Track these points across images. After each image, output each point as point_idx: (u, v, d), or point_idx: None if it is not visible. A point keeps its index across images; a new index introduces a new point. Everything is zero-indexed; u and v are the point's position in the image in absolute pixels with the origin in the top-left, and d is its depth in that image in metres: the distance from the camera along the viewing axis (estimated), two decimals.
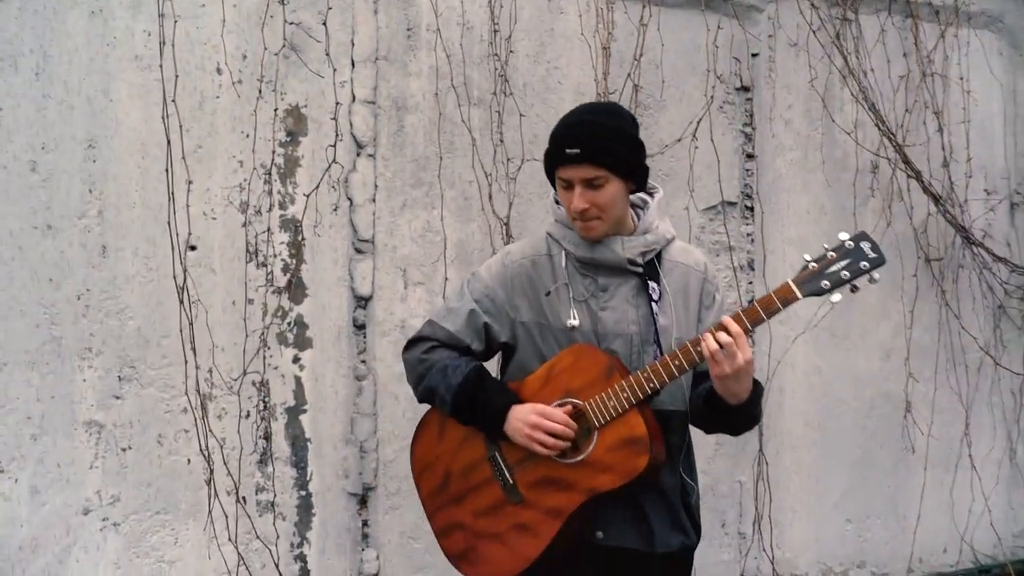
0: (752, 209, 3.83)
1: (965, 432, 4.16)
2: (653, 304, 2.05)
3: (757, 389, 2.01)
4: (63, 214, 2.82)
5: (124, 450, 2.89)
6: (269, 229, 3.05)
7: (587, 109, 2.15)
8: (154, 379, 2.92)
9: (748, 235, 3.84)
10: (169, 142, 2.86)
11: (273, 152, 3.04)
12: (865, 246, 1.94)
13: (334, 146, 3.10)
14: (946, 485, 4.15)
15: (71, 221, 2.83)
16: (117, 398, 2.88)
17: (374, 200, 3.21)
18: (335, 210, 3.15)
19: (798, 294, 1.94)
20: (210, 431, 2.92)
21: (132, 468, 2.90)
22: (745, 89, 3.80)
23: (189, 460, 2.96)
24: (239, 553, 2.96)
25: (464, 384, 2.06)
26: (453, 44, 3.29)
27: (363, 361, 3.21)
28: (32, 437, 2.78)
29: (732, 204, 3.78)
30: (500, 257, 2.20)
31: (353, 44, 3.16)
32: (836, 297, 1.94)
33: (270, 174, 3.05)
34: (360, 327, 3.20)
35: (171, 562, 2.95)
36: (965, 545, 4.18)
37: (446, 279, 3.26)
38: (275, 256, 3.07)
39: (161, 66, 2.85)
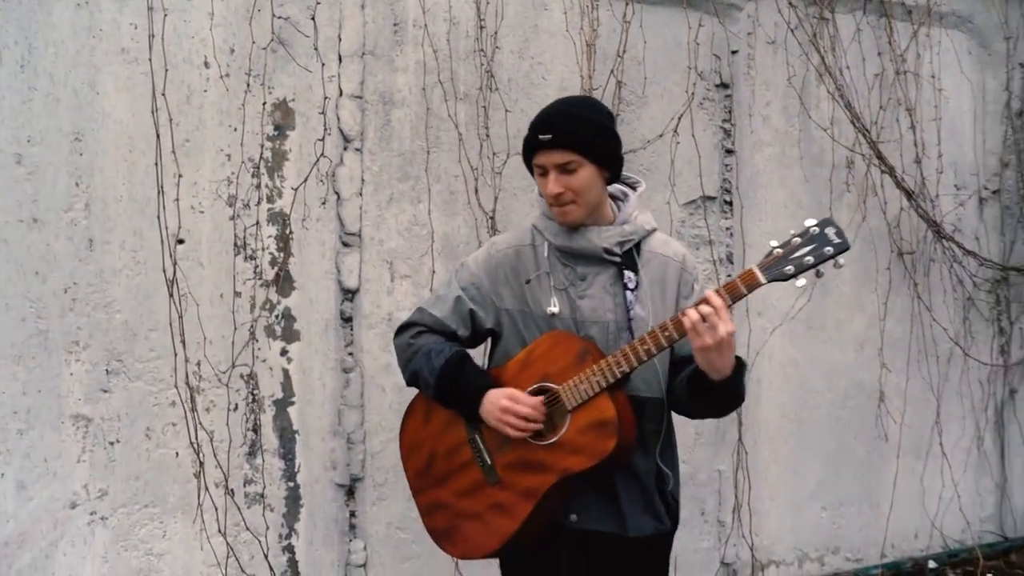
0: (731, 203, 3.89)
1: (936, 421, 4.27)
2: (628, 293, 2.10)
3: (740, 365, 2.03)
4: (49, 207, 2.81)
5: (112, 444, 2.89)
6: (257, 223, 3.05)
7: (563, 100, 2.21)
8: (142, 372, 2.92)
9: (727, 229, 3.90)
10: (158, 135, 2.85)
11: (261, 146, 3.05)
12: (830, 232, 1.93)
13: (322, 140, 3.11)
14: (917, 473, 4.26)
15: (57, 214, 2.82)
16: (104, 392, 2.88)
17: (361, 194, 3.23)
18: (323, 204, 3.16)
19: (761, 279, 1.94)
20: (200, 424, 2.93)
21: (120, 462, 2.90)
22: (725, 86, 3.86)
23: (177, 453, 2.96)
24: (228, 545, 2.98)
25: (445, 367, 2.13)
26: (439, 40, 3.32)
27: (350, 354, 3.22)
28: (18, 431, 2.77)
29: (712, 199, 3.85)
30: (487, 247, 2.26)
31: (340, 39, 3.17)
32: (801, 282, 1.93)
33: (258, 168, 3.06)
34: (347, 320, 3.22)
35: (159, 555, 2.95)
36: (935, 530, 4.30)
37: (432, 272, 3.29)
38: (263, 249, 3.07)
39: (150, 59, 2.84)
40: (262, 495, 3.08)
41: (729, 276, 3.89)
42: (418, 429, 2.26)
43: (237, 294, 3.02)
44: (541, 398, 2.06)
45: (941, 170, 4.26)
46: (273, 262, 3.10)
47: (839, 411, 4.13)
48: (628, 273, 2.12)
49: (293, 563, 3.14)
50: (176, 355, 2.90)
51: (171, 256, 2.89)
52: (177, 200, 2.90)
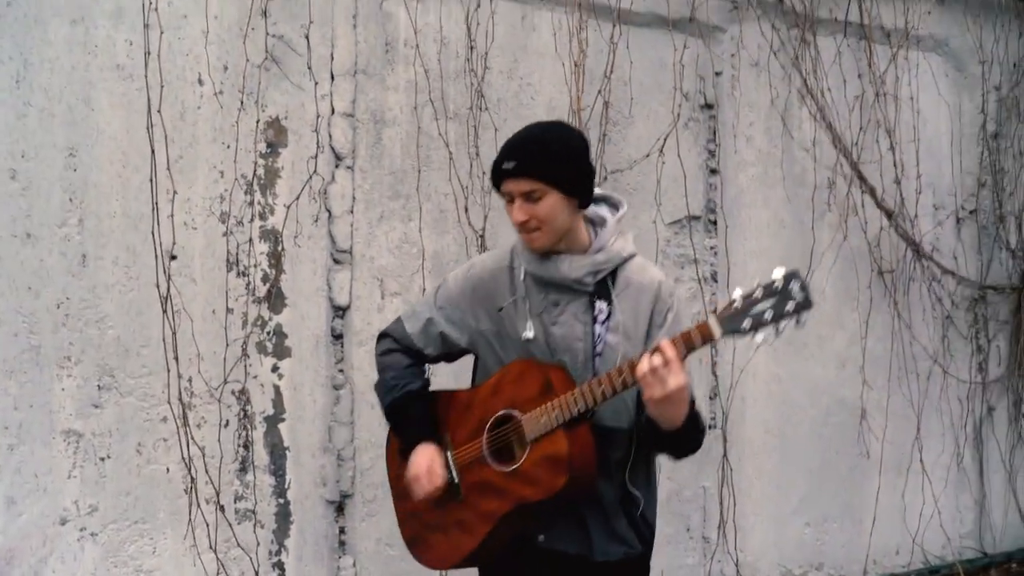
0: (715, 223, 3.95)
1: (916, 437, 4.33)
2: (596, 325, 2.10)
3: (694, 416, 1.99)
4: (43, 222, 2.81)
5: (103, 459, 2.89)
6: (250, 239, 3.07)
7: (533, 125, 2.18)
8: (133, 388, 2.92)
9: (712, 248, 3.96)
10: (153, 152, 2.87)
11: (254, 163, 3.07)
12: (794, 287, 1.83)
13: (314, 158, 3.14)
14: (898, 489, 4.31)
15: (51, 229, 2.82)
16: (96, 407, 2.88)
17: (352, 212, 3.25)
18: (315, 221, 3.19)
19: (716, 333, 1.88)
20: (192, 439, 2.93)
21: (110, 477, 2.90)
22: (709, 107, 3.93)
23: (168, 469, 2.96)
24: (219, 561, 2.97)
25: (390, 409, 2.24)
26: (430, 59, 3.36)
27: (341, 370, 3.24)
28: (9, 447, 2.76)
29: (696, 218, 3.90)
30: (466, 268, 2.27)
31: (333, 58, 3.21)
32: (759, 338, 1.85)
33: (251, 185, 3.08)
34: (338, 337, 3.24)
35: (149, 572, 2.94)
36: (916, 547, 4.35)
37: (423, 290, 3.31)
38: (255, 266, 3.09)
39: (145, 76, 2.86)
40: (253, 511, 3.08)
41: (714, 294, 3.95)
42: None
43: (229, 310, 3.04)
44: (445, 476, 2.14)
45: (920, 190, 4.35)
46: (265, 279, 3.11)
47: (821, 428, 4.19)
48: (600, 304, 2.11)
49: None
50: (169, 371, 2.91)
51: (165, 272, 2.90)
52: (171, 216, 2.92)
